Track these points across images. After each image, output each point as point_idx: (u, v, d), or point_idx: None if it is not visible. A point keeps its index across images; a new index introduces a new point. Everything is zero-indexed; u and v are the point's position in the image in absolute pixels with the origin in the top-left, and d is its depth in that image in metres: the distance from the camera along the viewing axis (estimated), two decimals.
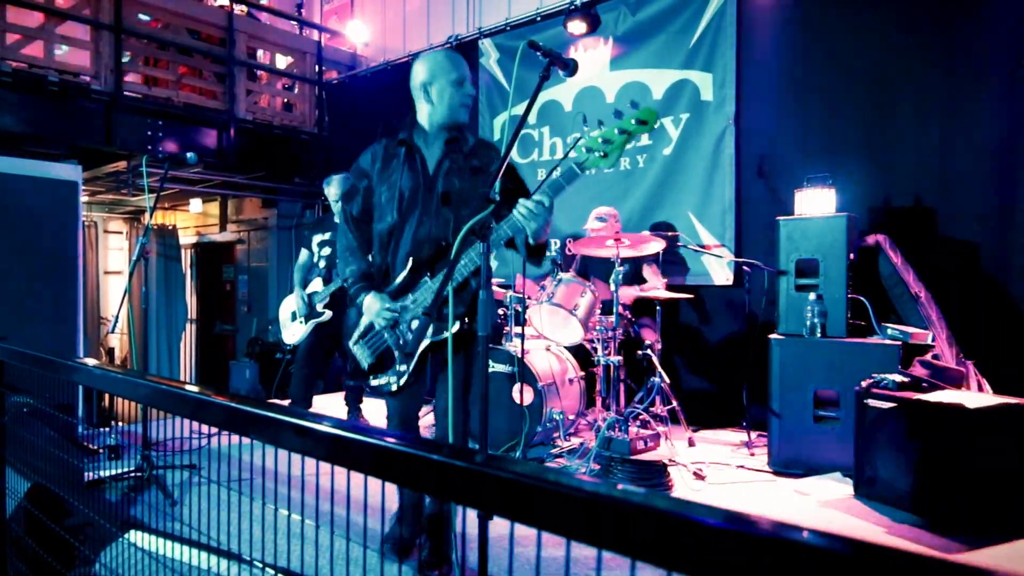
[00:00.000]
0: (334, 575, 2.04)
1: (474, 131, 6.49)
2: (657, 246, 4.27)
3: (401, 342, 2.43)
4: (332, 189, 4.65)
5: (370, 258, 2.58)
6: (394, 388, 2.43)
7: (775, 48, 4.76)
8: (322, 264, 4.63)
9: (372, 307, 2.43)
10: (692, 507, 0.63)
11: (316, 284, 4.61)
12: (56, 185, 5.49)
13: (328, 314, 4.48)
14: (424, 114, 2.49)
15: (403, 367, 2.42)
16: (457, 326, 2.32)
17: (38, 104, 5.93)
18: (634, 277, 4.76)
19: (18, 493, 2.20)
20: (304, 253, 4.80)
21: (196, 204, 9.92)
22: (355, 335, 2.53)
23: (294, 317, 4.67)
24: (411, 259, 2.42)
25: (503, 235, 2.22)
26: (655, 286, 4.57)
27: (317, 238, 4.72)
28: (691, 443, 4.30)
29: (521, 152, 6.17)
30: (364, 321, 2.49)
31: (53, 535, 2.04)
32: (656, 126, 2.06)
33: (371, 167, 2.53)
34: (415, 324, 2.40)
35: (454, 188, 2.42)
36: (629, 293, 4.45)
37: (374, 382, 2.48)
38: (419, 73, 2.46)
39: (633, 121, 2.09)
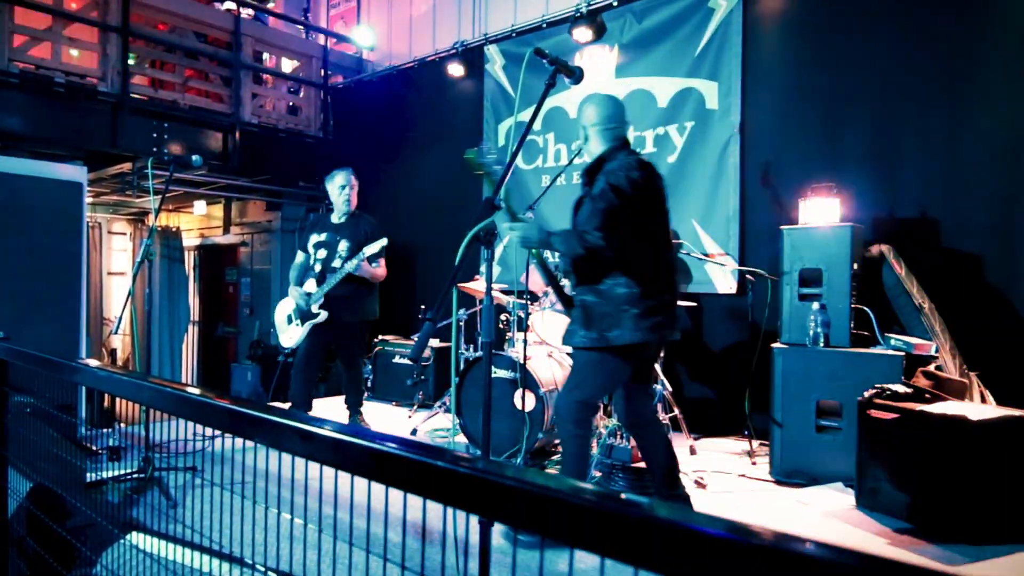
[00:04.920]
0: None
1: (478, 137, 6.57)
2: None
3: None
4: (338, 179, 4.56)
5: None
6: None
7: (780, 57, 4.77)
8: (317, 267, 4.50)
9: None
10: (693, 516, 0.63)
11: (310, 285, 4.49)
12: (61, 186, 5.51)
13: (324, 315, 4.37)
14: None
15: None
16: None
17: (45, 105, 5.95)
18: None
19: (20, 493, 2.20)
20: (300, 255, 4.69)
21: (200, 206, 9.93)
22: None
23: (290, 320, 4.58)
24: None
25: None
26: None
27: (313, 239, 4.60)
28: (693, 451, 4.29)
29: (526, 158, 6.18)
30: None
31: (54, 536, 2.04)
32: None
33: None
34: None
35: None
36: None
37: None
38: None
39: None
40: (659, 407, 4.26)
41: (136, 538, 2.39)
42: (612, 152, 2.86)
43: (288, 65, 8.67)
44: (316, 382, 4.99)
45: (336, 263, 4.43)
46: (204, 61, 7.60)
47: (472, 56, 6.62)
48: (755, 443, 4.24)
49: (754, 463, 4.06)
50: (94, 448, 4.03)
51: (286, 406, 4.50)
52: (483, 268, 1.96)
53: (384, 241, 4.31)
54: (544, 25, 6.09)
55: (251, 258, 9.63)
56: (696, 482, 3.63)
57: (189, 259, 10.49)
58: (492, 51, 6.51)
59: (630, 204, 2.66)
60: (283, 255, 8.91)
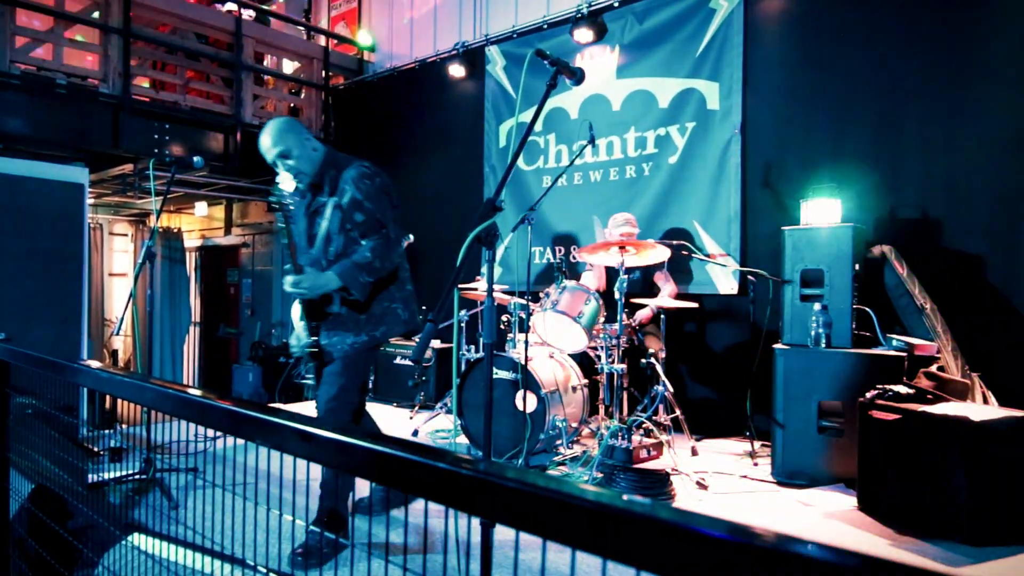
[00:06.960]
0: None
1: (479, 137, 6.57)
2: (662, 254, 4.23)
3: None
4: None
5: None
6: None
7: (781, 58, 4.77)
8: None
9: None
10: (695, 518, 0.63)
11: None
12: (63, 187, 5.52)
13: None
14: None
15: None
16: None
17: (46, 107, 5.96)
18: (644, 286, 4.75)
19: (21, 494, 2.20)
20: None
21: (201, 207, 9.94)
22: None
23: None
24: None
25: None
26: (666, 294, 4.58)
27: None
28: (694, 452, 4.28)
29: (527, 159, 6.18)
30: None
31: (56, 536, 2.04)
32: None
33: None
34: None
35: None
36: (642, 315, 4.47)
37: None
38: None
39: None
40: (661, 408, 4.26)
41: (137, 539, 2.39)
42: (335, 162, 2.96)
43: (289, 66, 8.67)
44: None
45: None
46: (205, 62, 7.61)
47: (473, 57, 6.62)
48: (756, 444, 4.23)
49: (756, 464, 4.06)
50: (95, 449, 4.03)
51: (290, 408, 4.47)
52: (484, 269, 1.96)
53: None
54: (545, 26, 6.10)
55: (252, 259, 9.64)
56: (698, 483, 3.63)
57: (190, 260, 10.50)
58: (493, 52, 6.51)
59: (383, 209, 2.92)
60: (284, 256, 8.92)
